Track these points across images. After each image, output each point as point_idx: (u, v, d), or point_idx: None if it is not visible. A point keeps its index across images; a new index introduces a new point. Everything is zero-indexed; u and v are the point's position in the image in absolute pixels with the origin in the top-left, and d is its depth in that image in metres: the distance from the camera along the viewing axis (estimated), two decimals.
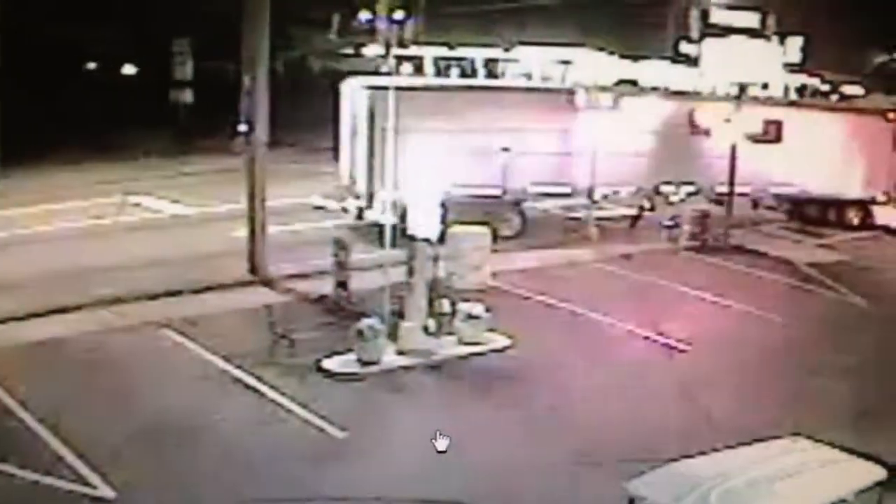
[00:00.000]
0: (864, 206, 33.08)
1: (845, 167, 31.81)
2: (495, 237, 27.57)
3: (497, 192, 28.76)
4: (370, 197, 27.40)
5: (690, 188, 30.41)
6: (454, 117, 27.39)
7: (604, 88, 29.50)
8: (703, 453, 12.21)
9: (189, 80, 42.43)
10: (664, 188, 30.45)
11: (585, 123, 28.42)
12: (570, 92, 29.14)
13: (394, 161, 23.47)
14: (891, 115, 32.36)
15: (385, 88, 26.61)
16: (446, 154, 25.05)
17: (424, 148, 23.47)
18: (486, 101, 28.54)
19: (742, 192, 31.63)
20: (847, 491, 10.92)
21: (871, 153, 31.97)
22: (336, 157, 31.06)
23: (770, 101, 31.62)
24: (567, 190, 29.62)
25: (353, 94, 28.23)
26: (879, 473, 11.32)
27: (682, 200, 30.28)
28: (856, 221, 33.10)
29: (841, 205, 33.11)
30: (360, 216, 27.57)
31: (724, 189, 30.43)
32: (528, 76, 29.88)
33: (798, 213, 33.62)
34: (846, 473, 11.35)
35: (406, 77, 28.75)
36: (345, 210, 28.54)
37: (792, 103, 32.18)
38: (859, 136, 32.05)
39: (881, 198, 32.61)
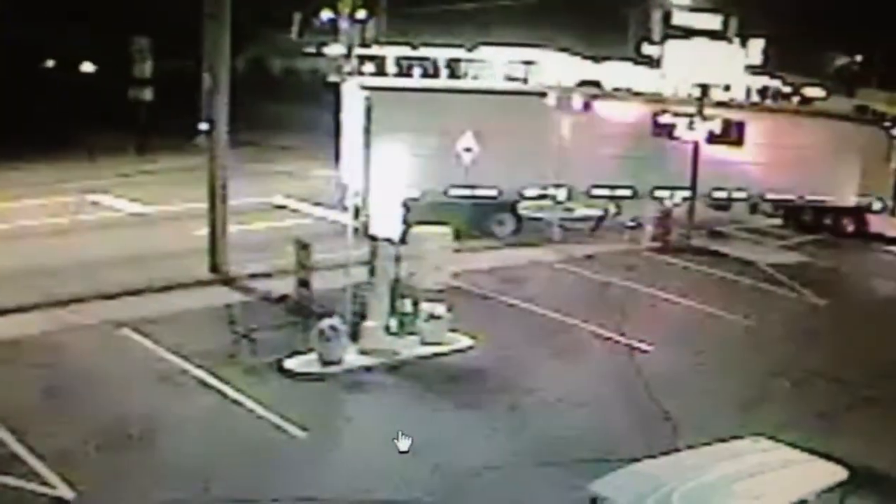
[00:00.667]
0: (859, 214, 33.16)
1: (839, 175, 31.97)
2: (488, 235, 28.75)
3: (492, 192, 28.98)
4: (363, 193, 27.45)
5: (686, 192, 30.51)
6: (447, 118, 27.63)
7: (570, 90, 29.56)
8: (665, 453, 12.24)
9: (149, 79, 42.01)
10: (658, 192, 30.53)
11: (566, 125, 28.60)
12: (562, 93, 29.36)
13: (381, 160, 23.52)
14: (887, 125, 32.60)
15: (380, 89, 26.74)
16: (440, 155, 25.93)
17: (416, 148, 23.86)
18: (475, 103, 28.70)
19: (739, 198, 31.89)
20: (808, 491, 10.94)
21: (867, 162, 32.15)
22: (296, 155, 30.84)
23: (762, 108, 31.91)
24: (562, 192, 29.84)
25: (351, 94, 28.24)
26: (841, 474, 11.35)
27: (676, 205, 30.41)
28: (850, 229, 33.19)
29: (836, 212, 33.20)
30: (357, 214, 27.49)
31: (722, 194, 30.82)
32: (492, 76, 29.90)
33: (794, 219, 33.73)
34: (808, 474, 11.38)
35: (405, 78, 28.73)
36: (345, 208, 28.46)
37: (784, 110, 32.42)
38: (855, 144, 32.21)
39: (876, 206, 32.76)
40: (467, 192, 28.48)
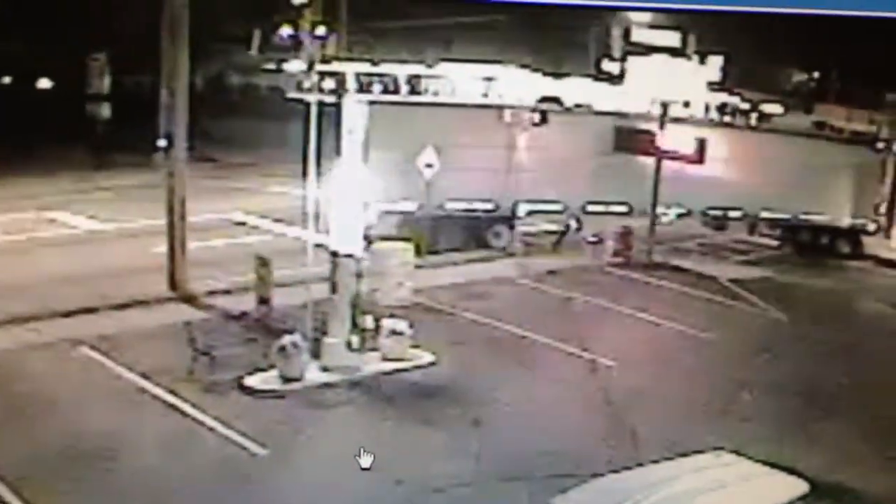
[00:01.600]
0: (854, 235, 33.02)
1: (833, 195, 32.04)
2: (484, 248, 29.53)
3: (490, 206, 29.43)
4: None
5: (680, 210, 30.71)
6: (442, 132, 27.96)
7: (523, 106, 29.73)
8: (628, 468, 12.22)
9: (106, 95, 41.69)
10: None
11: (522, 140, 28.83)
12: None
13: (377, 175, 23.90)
14: (879, 146, 32.74)
15: (380, 103, 27.15)
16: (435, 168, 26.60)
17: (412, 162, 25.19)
18: (471, 117, 29.16)
19: (735, 217, 32.02)
20: None
21: (860, 183, 32.24)
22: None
23: (759, 127, 32.22)
24: (560, 207, 30.22)
25: (351, 108, 28.44)
26: (801, 487, 11.37)
27: (671, 222, 30.61)
28: (846, 250, 33.05)
29: (833, 233, 33.07)
30: None
31: (719, 212, 31.28)
32: (452, 92, 29.99)
33: (792, 240, 33.63)
34: (769, 487, 11.40)
35: (403, 94, 29.04)
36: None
37: (772, 129, 32.71)
38: (847, 164, 32.32)
39: (871, 227, 32.78)
40: (464, 205, 28.91)
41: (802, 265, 31.26)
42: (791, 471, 11.75)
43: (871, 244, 32.71)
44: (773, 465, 11.90)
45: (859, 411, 19.01)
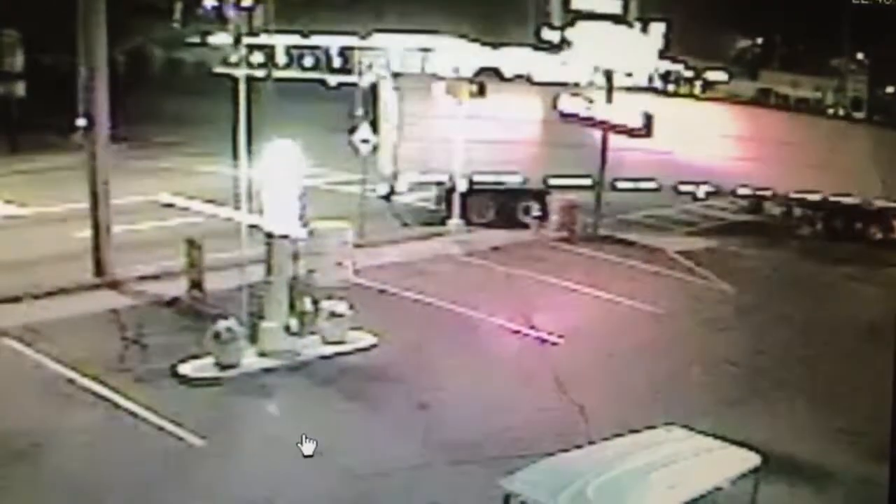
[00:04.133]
0: (886, 218, 32.31)
1: (863, 177, 31.70)
2: (514, 224, 29.59)
3: (518, 178, 29.48)
4: (394, 177, 28.65)
5: (709, 188, 30.87)
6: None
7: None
8: (578, 446, 11.96)
9: (20, 73, 40.42)
10: (683, 187, 30.55)
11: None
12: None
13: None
14: None
15: (408, 76, 27.32)
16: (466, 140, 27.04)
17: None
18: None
19: (763, 196, 31.78)
20: (723, 478, 10.78)
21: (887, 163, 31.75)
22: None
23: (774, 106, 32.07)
24: (587, 182, 29.98)
25: (384, 83, 28.19)
26: (754, 460, 11.22)
27: (701, 198, 31.01)
28: (879, 235, 32.35)
29: (865, 218, 32.32)
30: (388, 197, 28.95)
31: (748, 191, 31.48)
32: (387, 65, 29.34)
33: (825, 224, 32.71)
34: (721, 461, 11.26)
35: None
36: (386, 195, 29.38)
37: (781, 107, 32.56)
38: (880, 148, 31.90)
39: None
40: (493, 178, 28.86)
41: (748, 235, 31.31)
42: (742, 444, 11.56)
43: None
44: (724, 439, 11.72)
45: (805, 384, 18.99)
